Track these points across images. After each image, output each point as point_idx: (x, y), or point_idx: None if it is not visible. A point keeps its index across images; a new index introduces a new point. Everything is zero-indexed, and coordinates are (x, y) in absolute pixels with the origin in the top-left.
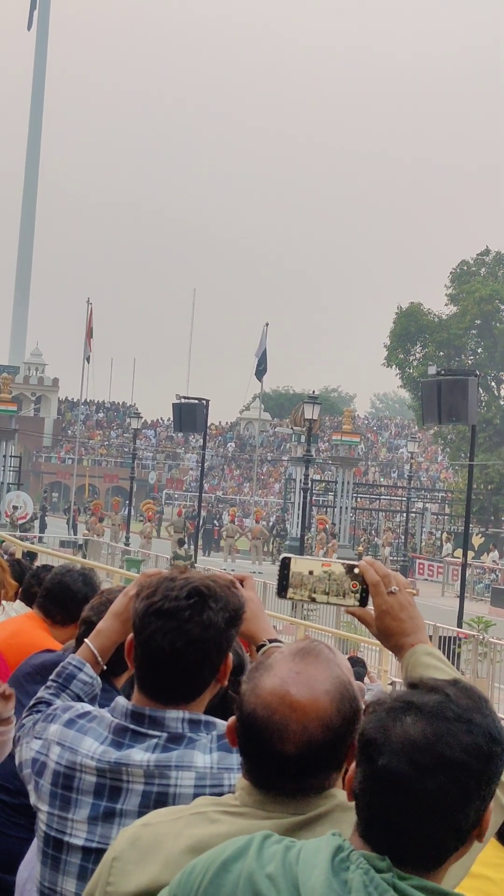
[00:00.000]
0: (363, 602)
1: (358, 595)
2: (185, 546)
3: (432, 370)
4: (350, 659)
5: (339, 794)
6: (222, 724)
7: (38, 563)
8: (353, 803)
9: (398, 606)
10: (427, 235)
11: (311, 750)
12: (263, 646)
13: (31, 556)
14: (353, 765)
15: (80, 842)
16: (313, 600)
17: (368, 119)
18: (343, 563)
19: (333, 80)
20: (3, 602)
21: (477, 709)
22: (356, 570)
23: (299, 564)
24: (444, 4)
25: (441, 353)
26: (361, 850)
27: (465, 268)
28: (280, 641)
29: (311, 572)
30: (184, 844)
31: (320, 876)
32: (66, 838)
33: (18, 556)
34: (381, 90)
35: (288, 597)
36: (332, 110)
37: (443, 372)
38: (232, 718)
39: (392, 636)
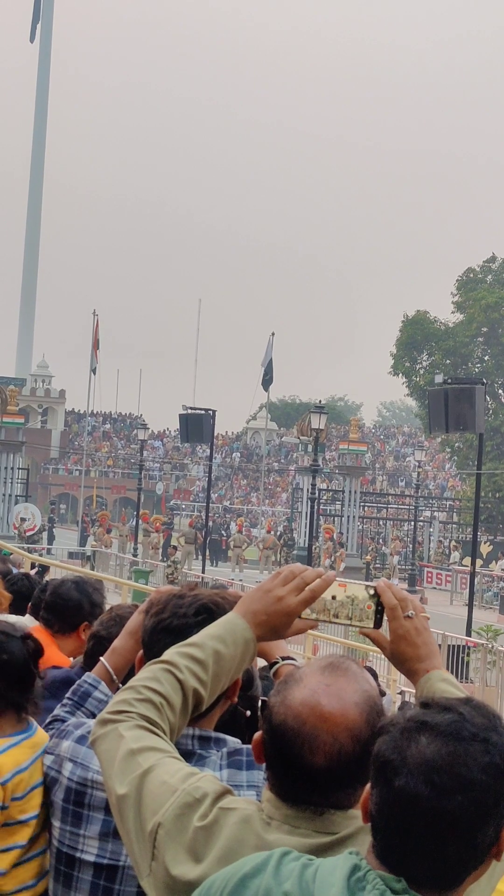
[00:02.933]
0: (377, 624)
1: (373, 617)
2: (177, 554)
3: (439, 379)
4: None
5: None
6: (232, 741)
7: (49, 576)
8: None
9: (414, 632)
10: (433, 243)
11: (341, 762)
12: (276, 663)
13: (44, 569)
14: (369, 786)
15: (91, 858)
16: (332, 622)
17: (375, 129)
18: (364, 586)
19: (338, 92)
20: None
21: (493, 727)
22: (372, 592)
23: None
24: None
25: (448, 362)
26: (378, 871)
27: (472, 275)
28: (293, 659)
29: (333, 597)
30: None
31: (336, 895)
32: (78, 854)
33: (27, 568)
34: (388, 102)
35: (303, 616)
36: (339, 120)
37: (450, 380)
38: (258, 734)
39: (407, 661)
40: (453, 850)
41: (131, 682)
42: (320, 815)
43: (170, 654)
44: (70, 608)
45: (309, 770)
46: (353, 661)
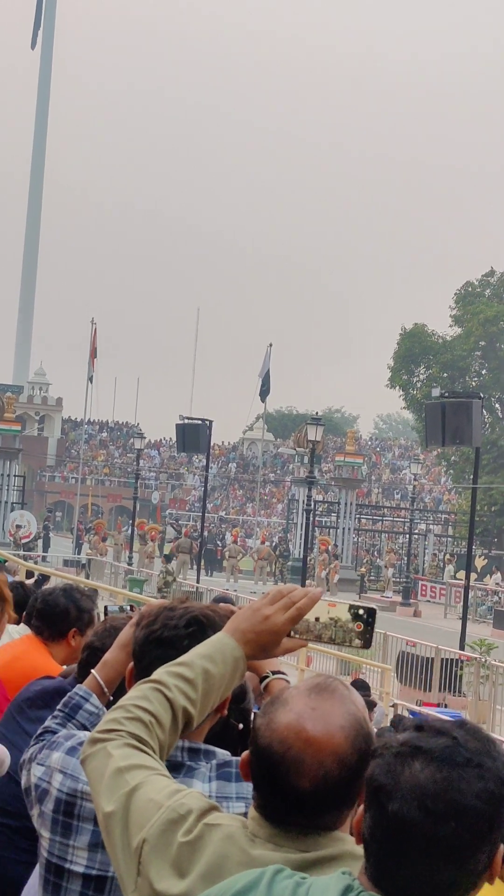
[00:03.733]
0: (367, 644)
1: (362, 637)
2: (171, 563)
3: (436, 392)
4: (353, 682)
5: (348, 840)
6: (222, 753)
7: (50, 584)
8: (361, 850)
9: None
10: (432, 256)
11: (327, 786)
12: (267, 677)
13: (44, 578)
14: (361, 808)
15: (80, 869)
16: (318, 640)
17: (375, 140)
18: (349, 606)
19: (338, 103)
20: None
21: (486, 752)
22: (360, 612)
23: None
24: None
25: (445, 375)
26: (370, 892)
27: (470, 289)
28: (284, 674)
29: (317, 619)
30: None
31: None
32: (67, 865)
33: (22, 575)
34: (388, 114)
35: (292, 635)
36: (339, 131)
37: (447, 394)
38: (245, 753)
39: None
40: (446, 876)
41: (121, 702)
42: (305, 835)
43: (159, 673)
44: (57, 614)
45: (294, 793)
46: (341, 682)
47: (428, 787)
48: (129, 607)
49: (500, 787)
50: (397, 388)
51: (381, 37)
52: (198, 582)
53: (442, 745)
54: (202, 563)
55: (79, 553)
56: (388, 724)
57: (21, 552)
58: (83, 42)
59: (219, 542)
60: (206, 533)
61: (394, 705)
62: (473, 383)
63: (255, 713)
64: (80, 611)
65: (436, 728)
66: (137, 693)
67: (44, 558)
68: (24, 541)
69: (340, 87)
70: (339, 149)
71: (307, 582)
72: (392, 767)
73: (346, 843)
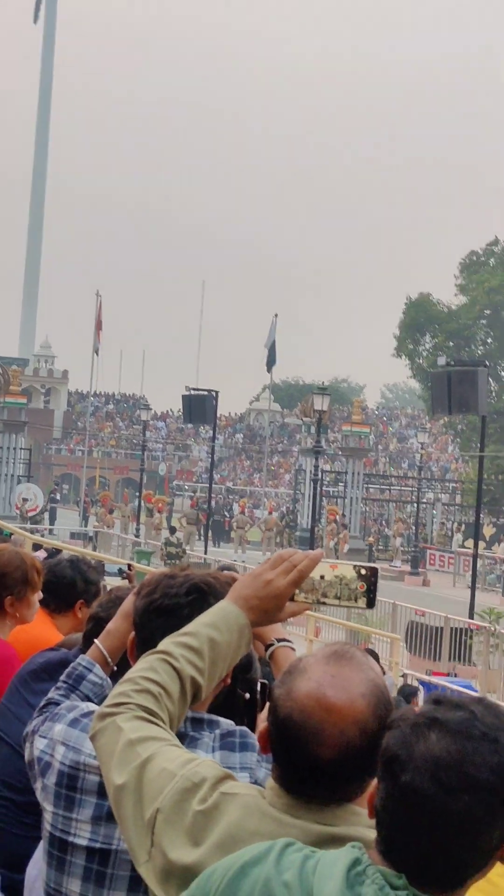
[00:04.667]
0: (370, 604)
1: (365, 596)
2: (178, 534)
3: (442, 361)
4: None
5: (364, 815)
6: (226, 723)
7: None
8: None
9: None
10: (436, 226)
11: (348, 754)
12: (272, 645)
13: (55, 552)
14: (375, 781)
15: (83, 842)
16: (322, 603)
17: (377, 109)
18: (353, 566)
19: (340, 69)
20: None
21: (503, 727)
22: (363, 572)
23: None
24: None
25: (451, 344)
26: (378, 866)
27: (475, 258)
28: (289, 641)
29: (322, 577)
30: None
31: (334, 888)
32: (71, 838)
33: (28, 548)
34: (389, 78)
35: (295, 598)
36: (339, 98)
37: (452, 363)
38: (263, 725)
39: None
40: (457, 850)
41: (128, 675)
42: (324, 806)
43: (165, 643)
44: (64, 586)
45: (316, 763)
46: (358, 649)
47: (442, 758)
48: (127, 567)
49: None
50: (403, 357)
51: (380, 28)
52: (205, 553)
53: (459, 718)
54: (209, 534)
55: (85, 526)
56: (396, 694)
57: (28, 525)
58: (86, 20)
59: (226, 513)
60: (213, 504)
61: (403, 675)
62: (479, 352)
63: (261, 683)
64: (86, 582)
65: (454, 702)
66: (144, 665)
67: (50, 531)
68: (30, 514)
69: (339, 66)
70: (342, 118)
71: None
72: (407, 739)
73: (363, 819)
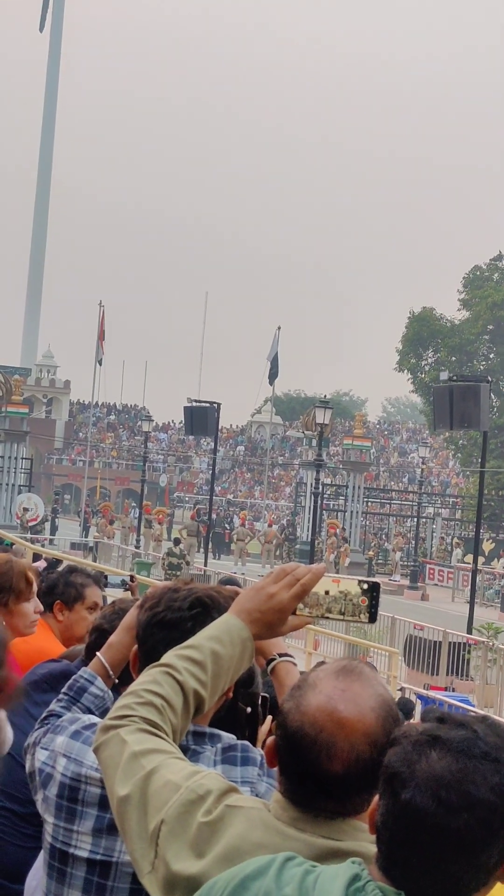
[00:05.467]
0: (373, 618)
1: (367, 611)
2: (181, 545)
3: (444, 376)
4: None
5: (367, 832)
6: (227, 737)
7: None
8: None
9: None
10: (440, 240)
11: (358, 768)
12: (273, 660)
13: (55, 563)
14: (377, 798)
15: (84, 854)
16: (326, 617)
17: (381, 123)
18: (356, 581)
19: (345, 82)
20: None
21: None
22: (366, 587)
23: (316, 586)
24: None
25: (453, 359)
26: (378, 882)
27: (479, 273)
28: (290, 656)
29: (327, 592)
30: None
31: None
32: (72, 850)
33: (29, 558)
34: (394, 94)
35: (297, 613)
36: (344, 113)
37: (455, 378)
38: (271, 739)
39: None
40: (456, 868)
41: (132, 687)
42: (330, 820)
43: (168, 656)
44: (47, 587)
45: (325, 777)
46: (365, 665)
47: (443, 776)
48: (129, 578)
49: None
50: (405, 371)
51: (383, 36)
52: (205, 565)
53: (461, 736)
54: (210, 545)
55: (86, 536)
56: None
57: (28, 535)
58: (92, 30)
59: (227, 525)
60: (214, 516)
61: (401, 689)
62: (481, 367)
63: (263, 696)
64: (66, 585)
65: (457, 720)
66: (148, 678)
67: (51, 541)
68: (31, 524)
69: (342, 79)
70: (347, 133)
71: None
72: (409, 756)
73: (366, 834)
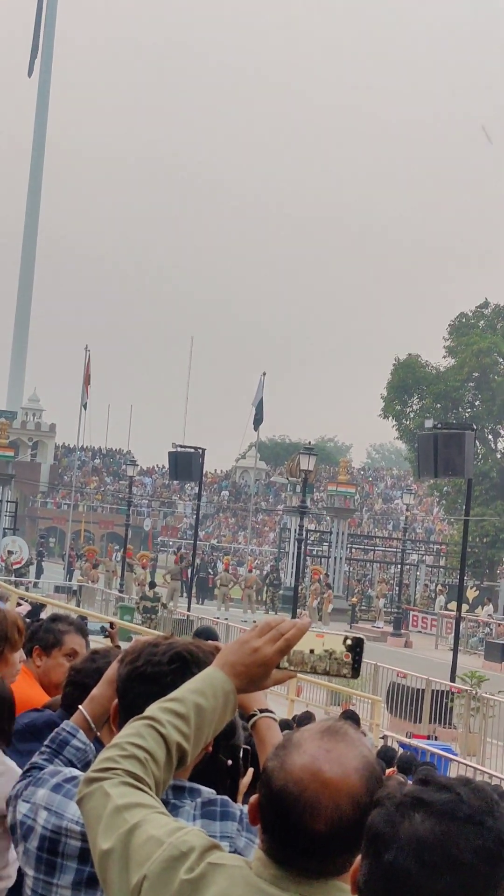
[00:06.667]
0: (355, 674)
1: (350, 667)
2: (155, 589)
3: (429, 423)
4: (343, 713)
5: (347, 892)
6: (207, 791)
7: (45, 613)
8: None
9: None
10: (426, 288)
11: (341, 828)
12: (254, 715)
13: (38, 607)
14: (359, 858)
15: None
16: (312, 672)
17: (366, 171)
18: (341, 637)
19: (331, 132)
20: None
21: (489, 811)
22: (349, 642)
23: (300, 642)
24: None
25: (438, 406)
26: None
27: (464, 320)
28: (271, 712)
29: (312, 651)
30: None
31: None
32: None
33: (13, 603)
34: (384, 147)
35: (281, 667)
36: (330, 159)
37: (439, 425)
38: (254, 797)
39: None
40: None
41: (115, 740)
42: (312, 880)
43: (152, 709)
44: (29, 633)
45: (309, 836)
46: (350, 726)
47: (426, 839)
48: (109, 625)
49: (499, 846)
50: (390, 418)
51: (360, 90)
52: (189, 610)
53: (444, 799)
54: (193, 590)
55: (70, 579)
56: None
57: (13, 578)
58: (81, 76)
59: (210, 571)
60: (198, 561)
61: (384, 737)
62: (466, 414)
63: (244, 749)
64: (46, 631)
65: (440, 783)
66: (131, 730)
67: (35, 584)
68: (15, 567)
69: (332, 128)
70: (331, 180)
71: (299, 611)
72: (392, 817)
73: (347, 892)
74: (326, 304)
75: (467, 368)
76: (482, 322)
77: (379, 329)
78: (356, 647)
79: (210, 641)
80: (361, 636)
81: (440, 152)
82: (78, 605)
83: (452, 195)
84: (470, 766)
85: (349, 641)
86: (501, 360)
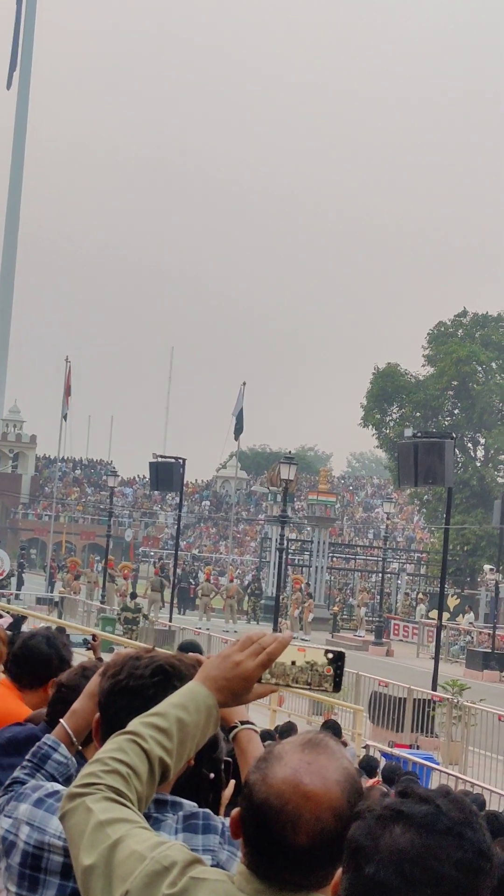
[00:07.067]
0: (337, 687)
1: (332, 681)
2: (136, 600)
3: (408, 432)
4: (325, 723)
5: None
6: (188, 805)
7: (26, 625)
8: None
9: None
10: (405, 297)
11: (323, 841)
12: (235, 727)
13: (20, 619)
14: (340, 871)
15: None
16: (291, 687)
17: (349, 179)
18: (323, 651)
19: (314, 139)
20: None
21: (468, 822)
22: (331, 656)
23: (282, 655)
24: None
25: (418, 414)
26: None
27: (443, 329)
28: (252, 723)
29: (293, 663)
30: None
31: None
32: None
33: None
34: (363, 158)
35: (263, 681)
36: (313, 169)
37: (419, 434)
38: (235, 810)
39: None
40: None
41: (97, 755)
42: (294, 893)
43: (134, 724)
44: (39, 662)
45: (290, 849)
46: (331, 737)
47: (407, 852)
48: (91, 637)
49: (479, 858)
50: (370, 426)
51: (341, 97)
52: (170, 620)
53: (424, 811)
54: (175, 601)
55: (52, 591)
56: (357, 766)
57: None
58: (60, 85)
59: (192, 581)
60: (179, 571)
61: (366, 746)
62: (446, 422)
63: (225, 761)
64: (61, 661)
65: (420, 795)
66: (113, 745)
67: (17, 596)
68: None
69: (315, 132)
70: (314, 190)
71: (280, 621)
72: (373, 830)
73: None
74: (305, 313)
75: (446, 377)
76: (461, 331)
77: (358, 338)
78: (337, 661)
79: (192, 654)
80: (343, 650)
81: (416, 164)
82: (60, 617)
83: (431, 205)
84: (452, 776)
85: (330, 655)
86: (480, 368)
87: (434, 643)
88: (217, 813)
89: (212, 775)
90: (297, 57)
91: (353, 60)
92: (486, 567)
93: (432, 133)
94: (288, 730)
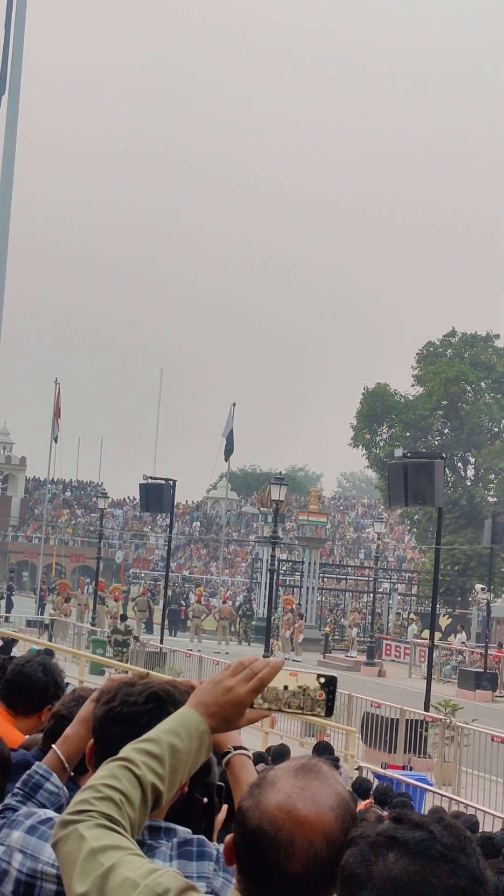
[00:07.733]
0: (329, 712)
1: (324, 705)
2: (126, 622)
3: (398, 452)
4: (317, 744)
5: None
6: (182, 831)
7: (17, 649)
8: None
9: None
10: (394, 317)
11: (316, 867)
12: (228, 753)
13: (10, 643)
14: None
15: None
16: (284, 712)
17: (335, 198)
18: (315, 676)
19: (309, 161)
20: None
21: (462, 849)
22: (323, 681)
23: (274, 680)
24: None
25: (407, 434)
26: None
27: (432, 349)
28: (245, 749)
29: (286, 687)
30: None
31: None
32: None
33: None
34: (354, 170)
35: (256, 706)
36: (303, 189)
37: (409, 454)
38: (229, 836)
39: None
40: None
41: (90, 782)
42: None
43: (126, 751)
44: (35, 690)
45: (284, 875)
46: (325, 762)
47: (400, 879)
48: None
49: (473, 884)
50: (360, 447)
51: (329, 115)
52: (161, 642)
53: (418, 838)
54: (165, 622)
55: (42, 613)
56: (350, 788)
57: None
58: (50, 92)
59: (182, 602)
60: (170, 592)
61: (358, 768)
62: (435, 442)
63: (218, 785)
64: (56, 687)
65: (413, 821)
66: (105, 772)
67: (7, 619)
68: None
69: (310, 150)
70: (303, 209)
71: (271, 641)
72: (366, 857)
73: None
74: (295, 333)
75: (436, 397)
76: (449, 350)
77: (348, 359)
78: (329, 686)
79: (184, 679)
80: (335, 675)
81: (410, 179)
82: (50, 640)
83: (421, 226)
84: (445, 797)
85: (322, 679)
86: (469, 388)
87: (426, 663)
88: (210, 838)
89: (205, 800)
90: (294, 52)
91: (353, 60)
92: (478, 586)
93: (434, 138)
94: (280, 752)
